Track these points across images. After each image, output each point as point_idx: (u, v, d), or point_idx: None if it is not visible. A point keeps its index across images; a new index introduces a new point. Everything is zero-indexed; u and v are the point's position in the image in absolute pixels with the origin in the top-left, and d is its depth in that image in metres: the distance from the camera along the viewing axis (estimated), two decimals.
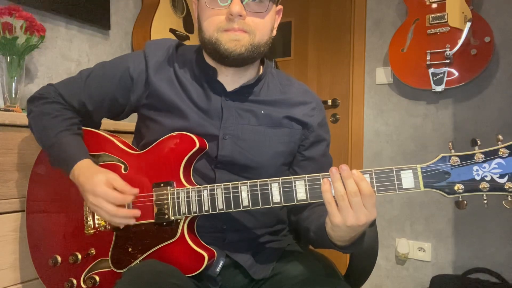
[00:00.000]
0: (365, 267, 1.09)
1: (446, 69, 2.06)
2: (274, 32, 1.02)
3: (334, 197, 0.77)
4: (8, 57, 1.48)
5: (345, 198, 0.76)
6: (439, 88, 2.08)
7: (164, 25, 2.26)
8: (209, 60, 1.02)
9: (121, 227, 0.95)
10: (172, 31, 2.30)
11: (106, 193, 0.89)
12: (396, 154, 2.34)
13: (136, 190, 0.93)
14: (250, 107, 1.02)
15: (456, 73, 2.05)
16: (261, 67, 1.07)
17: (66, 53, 1.96)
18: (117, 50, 2.25)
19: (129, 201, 0.92)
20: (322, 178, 0.82)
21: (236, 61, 0.95)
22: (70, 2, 1.92)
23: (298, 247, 1.10)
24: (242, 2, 0.90)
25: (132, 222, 0.93)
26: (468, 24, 1.96)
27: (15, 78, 1.50)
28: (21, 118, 1.20)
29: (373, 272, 1.08)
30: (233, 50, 0.92)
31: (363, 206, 0.76)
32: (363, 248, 0.88)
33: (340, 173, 0.77)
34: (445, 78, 2.06)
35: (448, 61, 2.04)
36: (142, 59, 1.02)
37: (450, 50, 2.02)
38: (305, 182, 0.84)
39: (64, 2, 1.89)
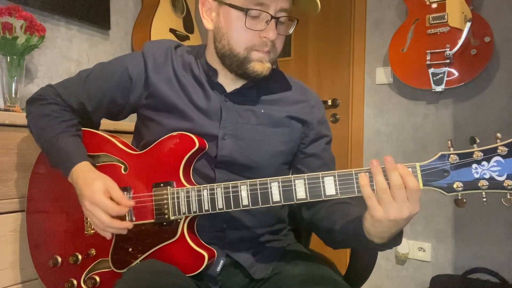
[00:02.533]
0: (365, 267, 1.09)
1: (446, 69, 2.06)
2: None
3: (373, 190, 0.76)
4: (8, 57, 1.48)
5: (387, 191, 0.75)
6: (439, 88, 2.08)
7: (164, 25, 2.26)
8: (213, 62, 1.02)
9: (108, 237, 0.94)
10: (172, 31, 2.30)
11: (103, 203, 0.89)
12: (396, 154, 2.34)
13: (132, 203, 0.93)
14: (250, 106, 1.02)
15: (456, 73, 2.05)
16: None
17: (66, 53, 1.97)
18: (117, 50, 2.26)
19: (124, 213, 0.92)
20: (322, 177, 0.82)
21: (258, 79, 0.99)
22: (70, 2, 1.93)
23: (298, 246, 1.10)
24: (275, 26, 0.93)
25: (124, 232, 0.93)
26: (468, 24, 1.96)
27: (15, 78, 1.51)
28: (21, 118, 1.20)
29: (373, 272, 1.08)
30: (260, 73, 0.96)
31: (407, 200, 0.75)
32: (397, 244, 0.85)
33: (385, 166, 0.76)
34: (445, 78, 2.06)
35: (448, 61, 2.04)
36: (140, 59, 1.02)
37: (450, 50, 2.02)
38: (304, 181, 0.84)
39: (64, 2, 1.89)
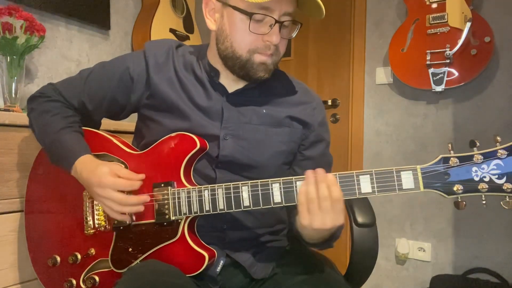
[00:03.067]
0: (365, 267, 1.09)
1: (446, 69, 2.05)
2: None
3: None
4: (8, 57, 1.48)
5: (315, 201, 0.79)
6: (439, 88, 2.08)
7: (164, 25, 2.26)
8: (215, 63, 1.02)
9: (127, 221, 0.94)
10: (172, 31, 2.30)
11: (113, 182, 0.89)
12: (396, 154, 2.34)
13: (142, 175, 0.94)
14: (252, 106, 1.02)
15: (456, 73, 2.05)
16: None
17: (66, 53, 1.97)
18: (117, 50, 2.25)
19: (137, 186, 0.92)
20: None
21: (259, 81, 0.99)
22: (70, 2, 1.92)
23: (299, 247, 1.10)
24: (279, 30, 0.93)
25: (142, 208, 0.93)
26: (468, 24, 1.96)
27: (15, 78, 1.51)
28: (21, 118, 1.20)
29: (373, 272, 1.08)
30: (263, 76, 0.96)
31: (331, 211, 0.78)
32: (333, 246, 0.95)
33: (316, 177, 0.80)
34: (445, 78, 2.06)
35: (448, 61, 2.04)
36: (142, 59, 1.02)
37: (450, 50, 2.02)
38: None
39: (64, 2, 1.89)
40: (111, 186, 0.89)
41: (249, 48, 0.93)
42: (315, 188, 0.79)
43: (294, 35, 0.99)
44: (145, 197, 0.92)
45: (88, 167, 0.93)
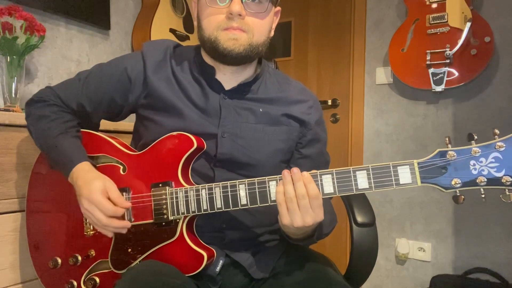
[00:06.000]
0: (365, 267, 1.09)
1: (446, 69, 2.06)
2: (272, 33, 1.03)
3: None
4: (8, 57, 1.48)
5: (294, 200, 0.80)
6: (439, 88, 2.08)
7: (164, 25, 2.26)
8: (207, 59, 1.02)
9: (109, 236, 0.95)
10: (172, 31, 2.30)
11: (100, 202, 0.90)
12: (396, 154, 2.34)
13: (128, 204, 0.94)
14: (248, 105, 1.02)
15: (456, 73, 2.05)
16: (258, 66, 1.07)
17: (66, 53, 1.97)
18: (117, 50, 2.25)
19: (120, 214, 0.92)
20: (320, 175, 0.84)
21: (235, 59, 0.96)
22: (70, 2, 1.92)
23: (298, 246, 1.10)
24: (242, 1, 0.91)
25: (124, 231, 0.94)
26: (468, 24, 1.96)
27: (15, 78, 1.50)
28: (21, 118, 1.20)
29: (373, 272, 1.08)
30: (232, 49, 0.93)
31: (310, 208, 0.80)
32: (316, 241, 0.95)
33: (292, 176, 0.81)
34: (445, 78, 2.06)
35: (448, 61, 2.04)
36: (139, 59, 1.02)
37: (450, 50, 2.02)
38: None
39: (64, 2, 1.89)
40: (96, 205, 0.90)
41: (214, 25, 0.94)
42: (292, 187, 0.80)
43: (269, 10, 0.96)
44: (125, 223, 0.93)
45: (84, 176, 0.94)
